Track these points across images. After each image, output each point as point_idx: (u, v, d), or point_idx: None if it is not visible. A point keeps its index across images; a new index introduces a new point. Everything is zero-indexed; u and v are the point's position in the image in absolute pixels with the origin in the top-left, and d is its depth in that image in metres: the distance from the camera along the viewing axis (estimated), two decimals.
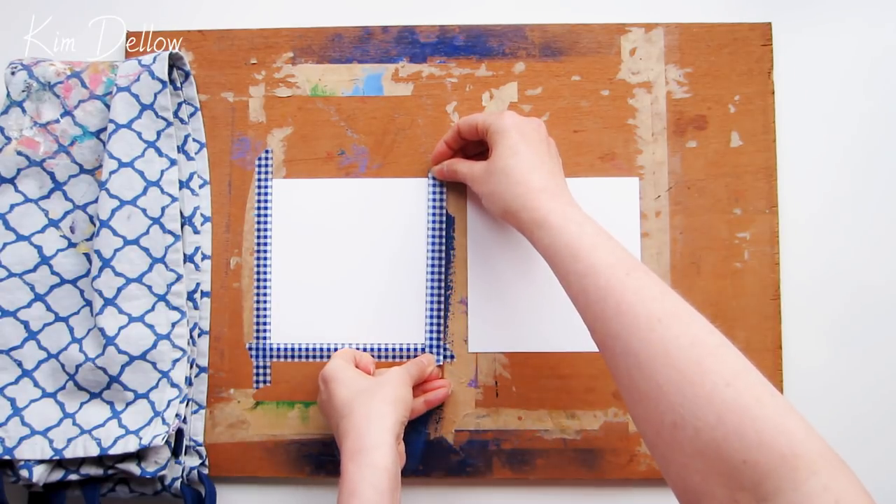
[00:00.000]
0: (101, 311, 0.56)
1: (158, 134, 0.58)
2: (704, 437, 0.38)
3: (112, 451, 0.55)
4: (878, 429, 0.61)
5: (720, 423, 0.38)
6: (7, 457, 0.55)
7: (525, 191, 0.50)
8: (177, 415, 0.56)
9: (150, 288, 0.57)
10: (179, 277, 0.58)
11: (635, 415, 0.42)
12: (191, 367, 0.59)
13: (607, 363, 0.44)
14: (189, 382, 0.59)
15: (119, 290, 0.57)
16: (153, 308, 0.57)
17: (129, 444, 0.55)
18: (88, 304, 0.58)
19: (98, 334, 0.56)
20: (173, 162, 0.59)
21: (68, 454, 0.55)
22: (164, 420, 0.56)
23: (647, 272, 0.44)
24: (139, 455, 0.56)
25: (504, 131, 0.53)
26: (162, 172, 0.58)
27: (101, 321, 0.56)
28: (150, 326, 0.57)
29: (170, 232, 0.58)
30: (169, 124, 0.59)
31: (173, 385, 0.57)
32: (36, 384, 0.57)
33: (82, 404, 0.57)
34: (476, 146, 0.60)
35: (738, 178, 0.61)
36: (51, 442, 0.55)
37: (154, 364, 0.57)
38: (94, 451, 0.55)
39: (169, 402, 0.57)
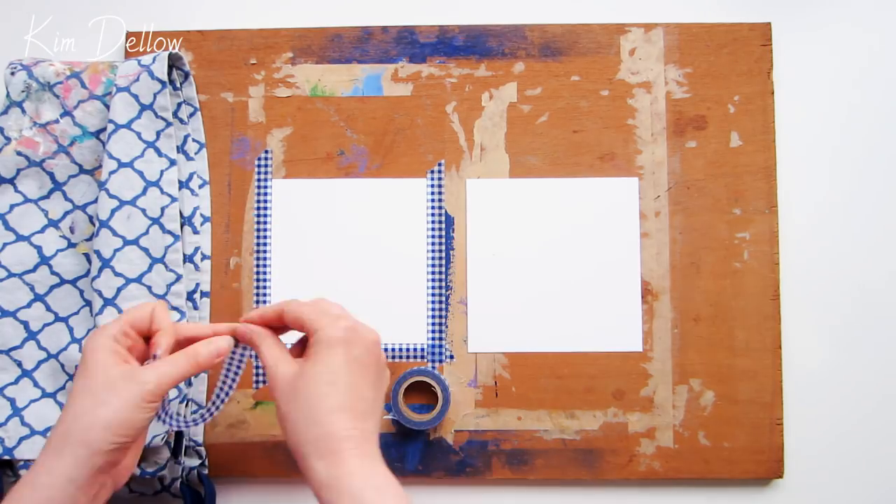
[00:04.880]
0: (101, 311, 0.56)
1: (158, 134, 0.58)
2: None
3: None
4: (878, 428, 0.61)
5: None
6: (7, 457, 0.55)
7: (325, 434, 0.42)
8: (183, 416, 0.57)
9: (149, 288, 0.57)
10: (179, 278, 0.58)
11: None
12: None
13: None
14: (189, 382, 0.59)
15: (119, 290, 0.57)
16: None
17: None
18: (88, 304, 0.58)
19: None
20: (173, 162, 0.59)
21: None
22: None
23: None
24: None
25: (330, 346, 0.44)
26: (161, 172, 0.58)
27: (100, 321, 0.56)
28: None
29: (169, 232, 0.58)
30: (168, 124, 0.59)
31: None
32: (36, 384, 0.57)
33: None
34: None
35: (738, 178, 0.61)
36: None
37: None
38: None
39: (168, 402, 0.57)
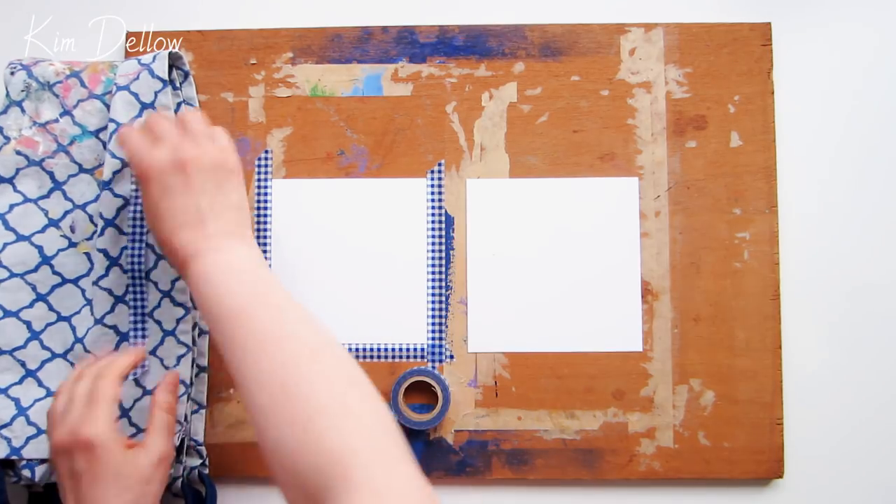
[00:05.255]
0: (112, 309, 0.57)
1: None
2: (286, 446, 0.40)
3: None
4: (879, 428, 0.61)
5: (301, 432, 0.39)
6: (15, 456, 0.55)
7: (171, 253, 0.50)
8: (185, 415, 0.57)
9: (156, 285, 0.58)
10: None
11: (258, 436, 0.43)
12: (191, 366, 0.59)
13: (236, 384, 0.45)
14: (190, 382, 0.59)
15: (128, 287, 0.57)
16: (159, 304, 0.58)
17: None
18: (89, 303, 0.58)
19: (103, 331, 0.57)
20: None
21: None
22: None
23: (281, 299, 0.46)
24: None
25: (140, 182, 0.51)
26: None
27: (112, 319, 0.57)
28: (158, 322, 0.57)
29: None
30: None
31: (179, 382, 0.57)
32: (40, 384, 0.57)
33: None
34: None
35: (738, 178, 0.61)
36: None
37: (161, 360, 0.57)
38: None
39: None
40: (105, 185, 0.57)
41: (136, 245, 0.58)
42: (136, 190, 0.57)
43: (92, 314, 0.57)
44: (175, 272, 0.58)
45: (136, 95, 0.58)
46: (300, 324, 0.45)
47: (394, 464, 0.39)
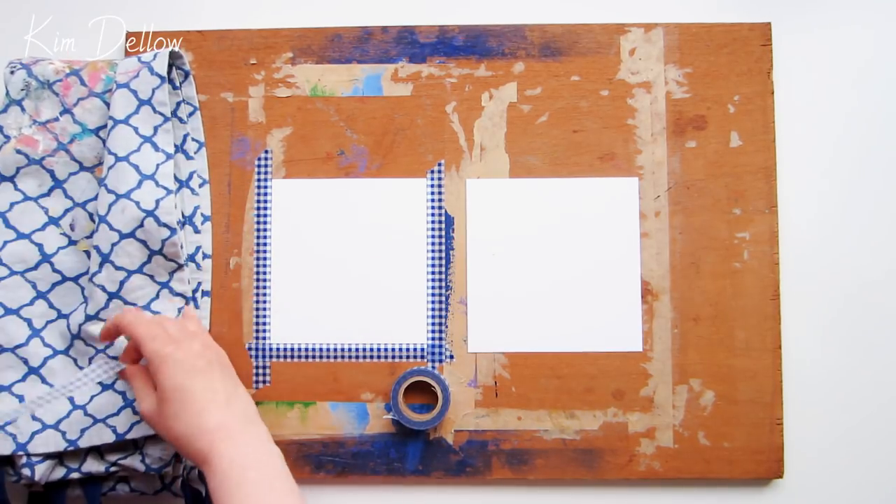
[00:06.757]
0: (107, 305, 0.57)
1: (155, 129, 0.58)
2: None
3: (129, 436, 0.55)
4: (879, 428, 0.61)
5: None
6: (20, 452, 0.55)
7: (198, 433, 0.49)
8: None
9: (151, 277, 0.57)
10: (181, 266, 0.58)
11: None
12: None
13: None
14: None
15: (122, 283, 0.57)
16: (157, 296, 0.58)
17: (147, 428, 0.56)
18: (87, 301, 0.58)
19: (99, 327, 0.57)
20: (170, 156, 0.58)
21: (83, 444, 0.55)
22: None
23: None
24: (143, 451, 0.56)
25: (161, 366, 0.50)
26: (157, 166, 0.57)
27: (105, 315, 0.57)
28: (157, 314, 0.57)
29: (165, 225, 0.57)
30: (166, 119, 0.58)
31: None
32: (44, 381, 0.57)
33: (93, 397, 0.57)
34: None
35: (738, 178, 0.61)
36: (64, 434, 0.56)
37: None
38: (109, 439, 0.55)
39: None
40: (101, 182, 0.57)
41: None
42: (136, 188, 0.57)
43: (86, 311, 0.57)
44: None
45: (134, 92, 0.58)
46: None
47: None
